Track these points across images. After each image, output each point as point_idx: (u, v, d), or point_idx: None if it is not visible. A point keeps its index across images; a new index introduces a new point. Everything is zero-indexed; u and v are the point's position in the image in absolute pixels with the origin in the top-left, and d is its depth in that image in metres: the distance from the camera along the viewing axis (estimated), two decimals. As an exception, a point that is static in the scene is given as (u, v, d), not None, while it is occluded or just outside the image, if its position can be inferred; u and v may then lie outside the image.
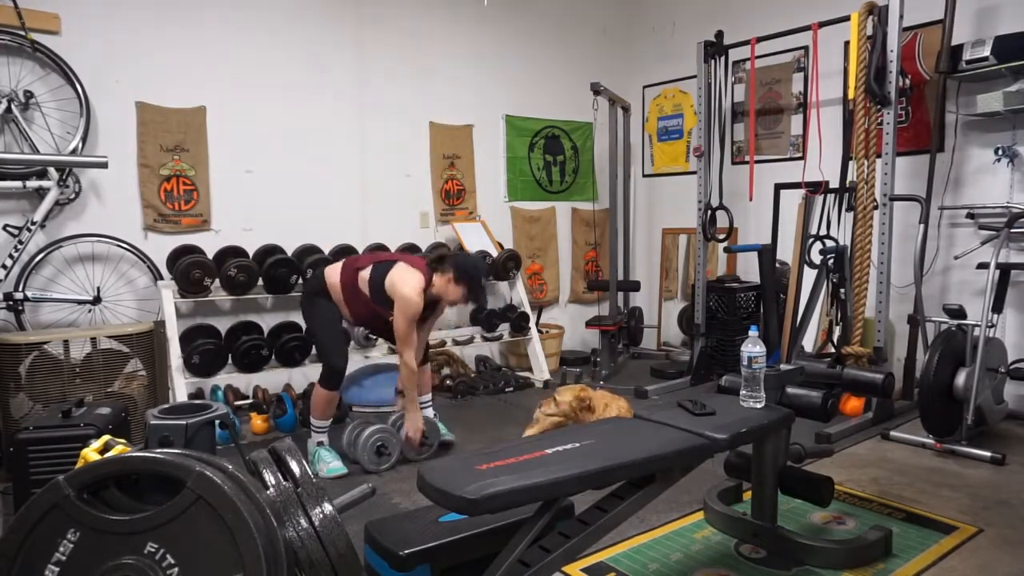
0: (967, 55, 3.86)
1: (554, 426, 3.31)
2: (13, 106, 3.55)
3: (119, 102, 3.89)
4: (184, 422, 2.38)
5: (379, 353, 4.40)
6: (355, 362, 4.34)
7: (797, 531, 2.42)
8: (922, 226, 3.98)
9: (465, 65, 5.18)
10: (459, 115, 5.18)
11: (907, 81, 4.31)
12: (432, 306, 3.31)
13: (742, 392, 2.28)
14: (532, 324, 5.00)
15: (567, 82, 5.68)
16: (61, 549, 1.34)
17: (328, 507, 1.57)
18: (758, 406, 2.25)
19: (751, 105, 4.71)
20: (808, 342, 4.35)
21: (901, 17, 3.67)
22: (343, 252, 4.36)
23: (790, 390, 2.55)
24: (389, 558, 1.94)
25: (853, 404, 3.89)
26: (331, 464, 3.15)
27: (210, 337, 3.95)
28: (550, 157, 5.76)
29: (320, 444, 3.24)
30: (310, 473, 1.65)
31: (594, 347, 5.61)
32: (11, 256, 3.52)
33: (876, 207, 3.82)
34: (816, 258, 4.12)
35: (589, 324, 5.30)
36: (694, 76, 4.82)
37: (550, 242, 5.79)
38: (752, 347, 2.25)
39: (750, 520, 2.40)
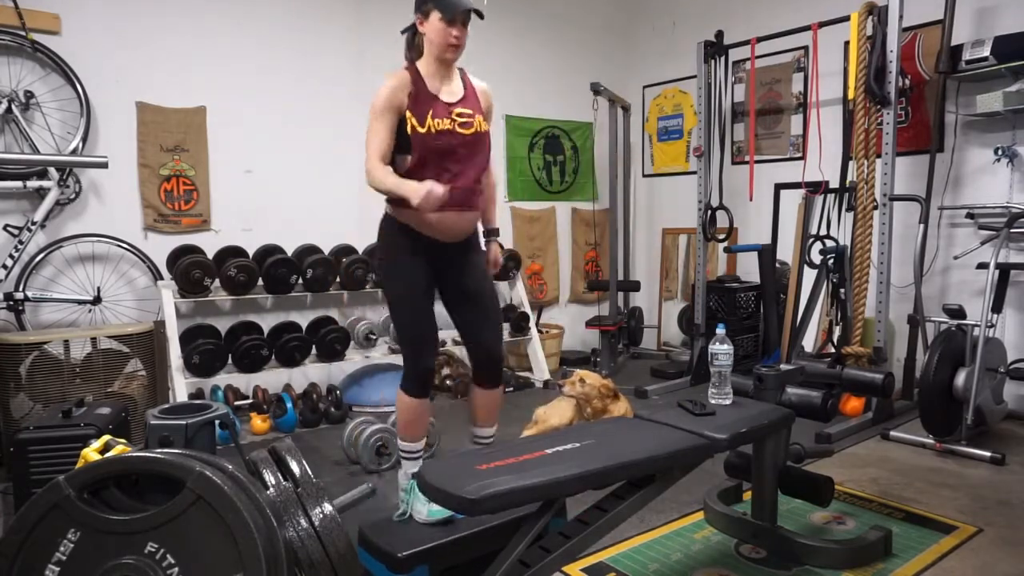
0: (967, 55, 3.86)
1: (553, 428, 3.31)
2: (13, 106, 3.55)
3: (119, 102, 3.89)
4: (184, 422, 2.38)
5: (379, 353, 4.40)
6: (355, 362, 4.35)
7: (797, 531, 2.42)
8: (922, 226, 3.98)
9: (465, 64, 5.17)
10: (459, 115, 5.18)
11: (907, 81, 4.31)
12: (441, 110, 2.30)
13: (710, 390, 2.30)
14: (532, 324, 5.00)
15: (567, 82, 5.68)
16: (61, 549, 1.34)
17: (328, 507, 1.57)
18: (726, 402, 2.27)
19: (751, 105, 4.71)
20: (808, 342, 4.35)
21: (901, 17, 3.67)
22: (343, 252, 4.36)
23: (790, 390, 2.55)
24: (386, 560, 1.94)
25: (853, 404, 3.89)
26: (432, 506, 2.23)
27: (210, 337, 3.95)
28: (550, 157, 5.75)
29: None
30: (310, 473, 1.66)
31: (594, 347, 5.60)
32: (11, 256, 3.52)
33: (876, 207, 3.82)
34: (816, 258, 4.12)
35: (589, 324, 5.30)
36: (694, 76, 4.82)
37: (550, 242, 5.79)
38: (719, 345, 2.25)
39: (750, 520, 2.40)
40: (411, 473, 2.40)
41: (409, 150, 2.29)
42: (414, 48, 2.41)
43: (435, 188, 2.14)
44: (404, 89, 2.27)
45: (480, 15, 2.32)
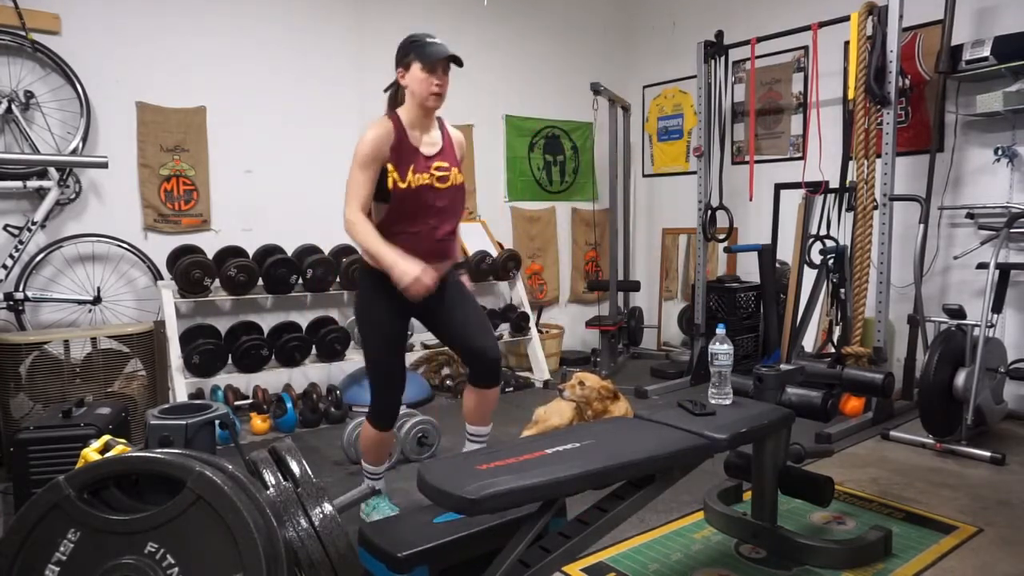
0: (967, 55, 3.86)
1: (553, 428, 3.32)
2: (13, 106, 3.55)
3: (119, 102, 3.89)
4: (184, 422, 2.38)
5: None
6: (355, 362, 4.34)
7: (797, 531, 2.42)
8: (922, 226, 3.98)
9: (465, 64, 5.18)
10: (459, 115, 5.17)
11: (907, 81, 4.31)
12: (420, 162, 2.33)
13: (710, 390, 2.31)
14: (532, 324, 5.00)
15: (567, 82, 5.68)
16: (61, 549, 1.34)
17: (328, 507, 1.57)
18: (726, 402, 2.28)
19: (751, 105, 4.71)
20: (808, 342, 4.35)
21: (901, 17, 3.67)
22: (343, 252, 4.36)
23: (790, 390, 2.55)
24: (386, 560, 1.94)
25: (853, 404, 3.89)
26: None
27: (210, 337, 3.95)
28: (550, 157, 5.75)
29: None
30: (310, 473, 1.65)
31: (594, 347, 5.60)
32: (11, 256, 3.52)
33: (876, 207, 3.82)
34: (816, 258, 4.12)
35: (589, 324, 5.30)
36: (694, 76, 4.82)
37: (550, 242, 5.79)
38: (719, 345, 2.25)
39: (750, 520, 2.40)
40: (373, 487, 2.35)
41: (387, 199, 2.32)
42: (396, 104, 2.43)
43: (426, 278, 2.20)
44: (388, 140, 2.30)
45: (459, 63, 2.35)
